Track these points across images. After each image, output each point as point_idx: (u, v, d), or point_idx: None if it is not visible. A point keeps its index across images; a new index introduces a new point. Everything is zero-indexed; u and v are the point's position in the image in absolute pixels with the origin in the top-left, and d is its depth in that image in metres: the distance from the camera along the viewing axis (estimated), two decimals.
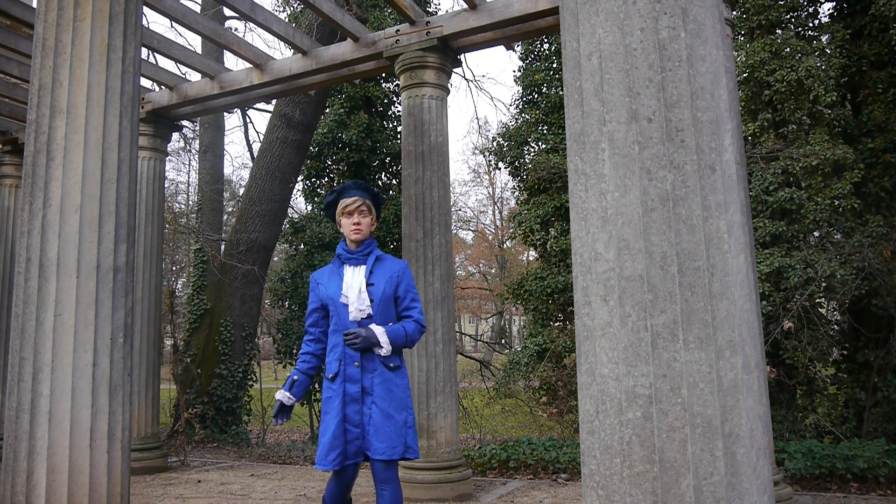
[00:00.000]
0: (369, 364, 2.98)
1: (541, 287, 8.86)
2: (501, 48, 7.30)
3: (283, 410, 3.16)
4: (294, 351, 10.76)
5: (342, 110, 10.07)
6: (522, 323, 24.50)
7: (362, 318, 3.00)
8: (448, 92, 5.86)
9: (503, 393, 10.31)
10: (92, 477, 2.86)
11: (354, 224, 3.11)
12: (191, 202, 21.58)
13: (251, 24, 15.06)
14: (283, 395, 3.14)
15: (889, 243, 7.16)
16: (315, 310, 3.14)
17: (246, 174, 22.54)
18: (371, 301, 3.01)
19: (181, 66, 11.25)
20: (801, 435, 7.03)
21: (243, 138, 35.15)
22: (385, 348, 2.95)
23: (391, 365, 2.99)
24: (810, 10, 8.51)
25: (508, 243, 24.83)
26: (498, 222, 27.84)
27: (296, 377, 3.13)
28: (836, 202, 7.32)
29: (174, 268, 17.41)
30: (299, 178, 11.17)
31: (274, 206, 10.26)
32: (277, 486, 5.94)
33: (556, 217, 9.02)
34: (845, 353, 7.97)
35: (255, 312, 10.53)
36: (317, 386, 10.10)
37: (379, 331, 2.96)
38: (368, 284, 3.04)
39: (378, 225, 9.89)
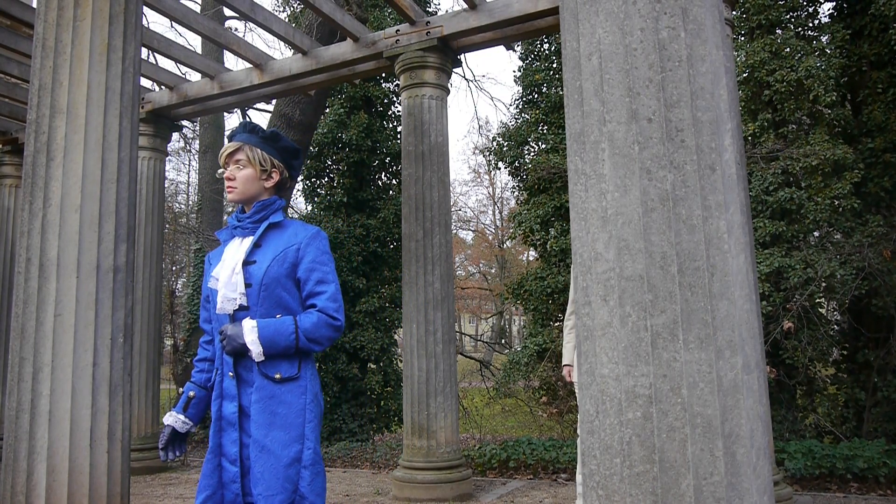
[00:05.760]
0: (247, 374, 2.17)
1: (541, 287, 8.85)
2: (501, 48, 7.29)
3: (176, 440, 2.27)
4: None
5: (342, 110, 10.06)
6: (522, 323, 24.49)
7: (234, 311, 2.19)
8: (448, 92, 5.87)
9: (503, 393, 10.29)
10: (92, 477, 2.87)
11: (227, 180, 2.29)
12: (191, 202, 21.58)
13: (251, 24, 15.07)
14: (174, 419, 2.26)
15: (889, 243, 7.15)
16: (206, 298, 2.33)
17: None
18: (248, 285, 2.17)
19: (181, 66, 11.25)
20: (801, 435, 7.02)
21: None
22: (254, 350, 2.11)
23: (276, 376, 2.14)
24: (810, 10, 8.50)
25: (508, 243, 24.83)
26: (498, 222, 27.86)
27: (192, 392, 2.30)
28: (836, 202, 7.32)
29: (174, 268, 17.42)
30: (299, 178, 11.15)
31: None
32: None
33: (556, 217, 9.01)
34: (845, 353, 7.96)
35: None
36: None
37: (248, 326, 2.12)
38: (248, 262, 2.20)
39: (378, 224, 10.08)
